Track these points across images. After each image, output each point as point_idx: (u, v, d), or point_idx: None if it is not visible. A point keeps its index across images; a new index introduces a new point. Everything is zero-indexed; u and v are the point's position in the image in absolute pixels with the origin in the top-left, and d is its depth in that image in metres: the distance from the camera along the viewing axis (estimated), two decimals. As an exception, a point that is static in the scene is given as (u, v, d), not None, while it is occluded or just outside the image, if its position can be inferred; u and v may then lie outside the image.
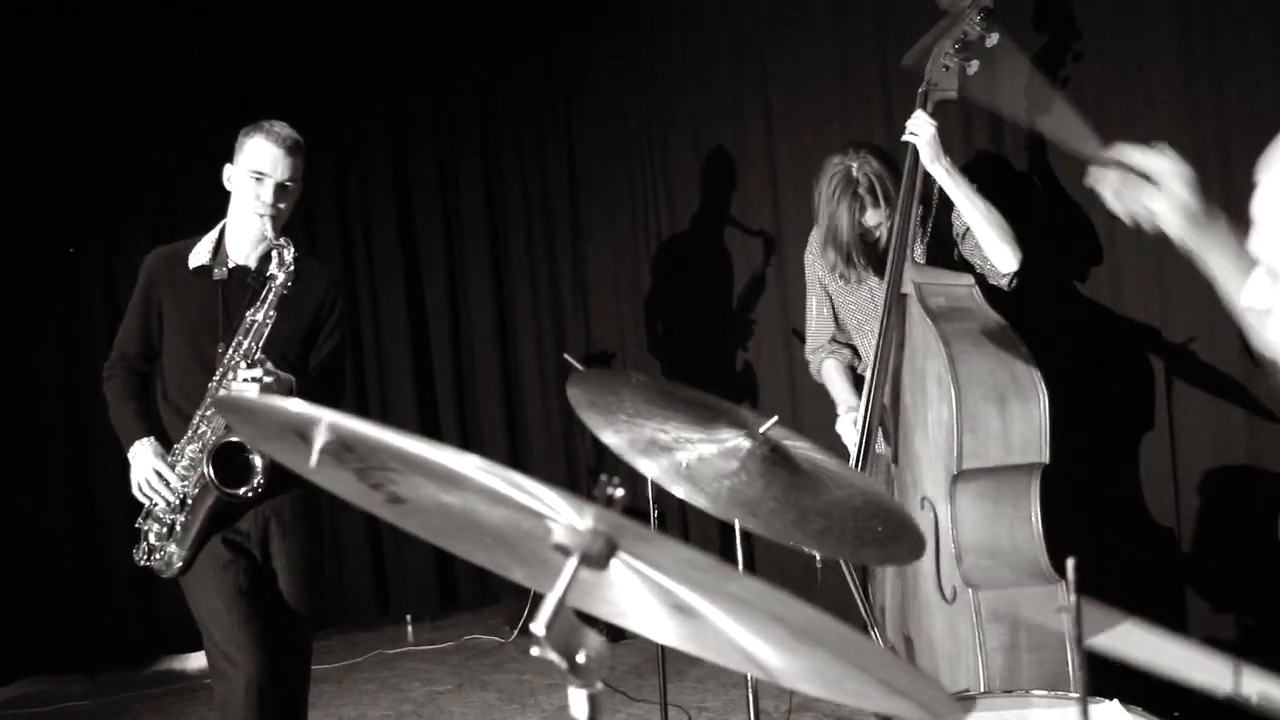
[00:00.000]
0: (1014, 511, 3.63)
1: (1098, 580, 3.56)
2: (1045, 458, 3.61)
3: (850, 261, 4.01)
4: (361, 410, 6.85)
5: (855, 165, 3.91)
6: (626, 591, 1.34)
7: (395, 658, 6.35)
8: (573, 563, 1.19)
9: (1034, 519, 3.62)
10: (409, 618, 7.01)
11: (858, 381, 4.18)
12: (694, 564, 1.20)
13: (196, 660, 6.23)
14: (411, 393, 7.08)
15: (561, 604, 1.18)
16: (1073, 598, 1.33)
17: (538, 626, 1.17)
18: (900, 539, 2.33)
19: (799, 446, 2.33)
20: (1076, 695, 2.56)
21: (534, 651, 1.19)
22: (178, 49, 6.41)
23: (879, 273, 3.98)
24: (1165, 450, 4.22)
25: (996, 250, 3.79)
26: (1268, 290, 1.58)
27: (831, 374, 4.24)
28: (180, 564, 3.57)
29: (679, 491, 2.07)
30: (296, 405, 1.21)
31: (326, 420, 1.19)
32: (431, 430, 7.07)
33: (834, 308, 4.22)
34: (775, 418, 2.28)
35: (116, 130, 6.31)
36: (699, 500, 2.06)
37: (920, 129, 3.80)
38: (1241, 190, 3.94)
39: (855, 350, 4.26)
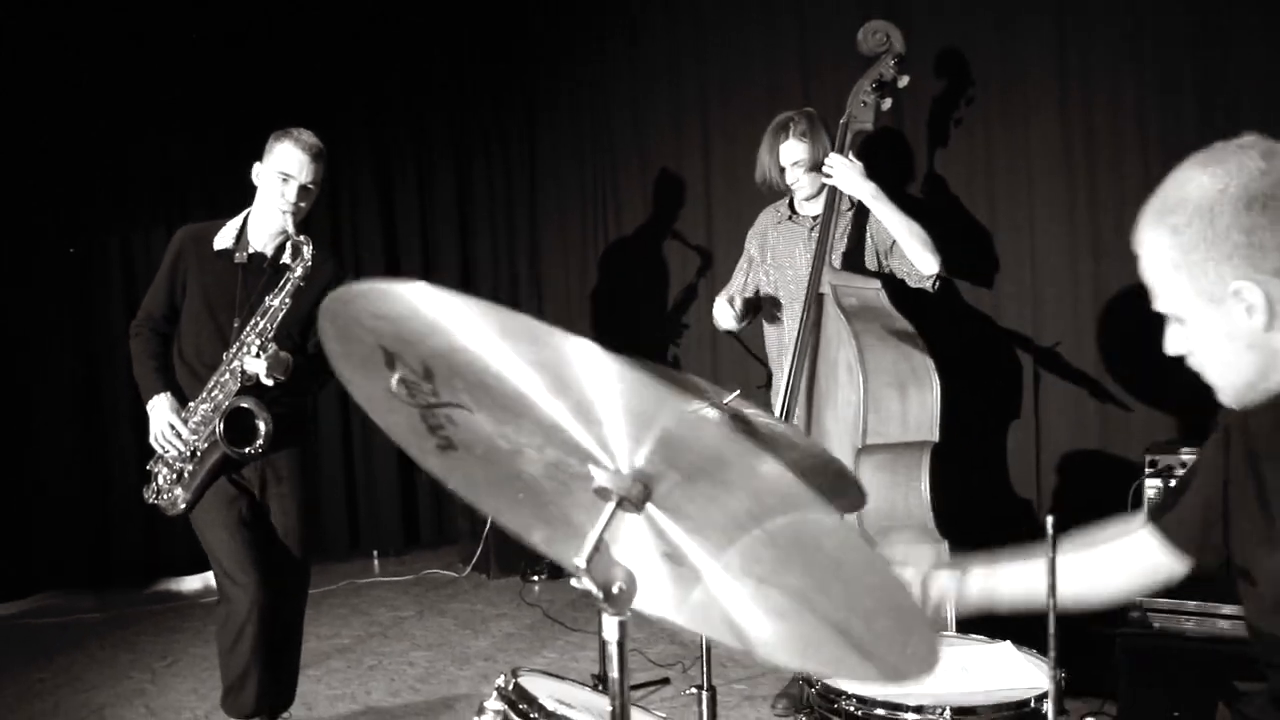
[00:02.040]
0: (908, 481, 3.63)
1: (971, 540, 3.59)
2: (935, 437, 3.62)
3: (773, 188, 4.03)
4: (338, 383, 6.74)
5: (788, 115, 3.98)
6: (632, 556, 1.25)
7: (364, 587, 6.23)
8: (611, 505, 1.13)
9: (924, 488, 3.63)
10: (376, 553, 6.87)
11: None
12: (723, 508, 1.12)
13: (193, 582, 6.08)
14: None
15: (601, 541, 1.12)
16: (1050, 553, 1.27)
17: (579, 560, 1.11)
18: (838, 495, 2.28)
19: (757, 415, 2.28)
20: (973, 636, 2.55)
21: (574, 583, 1.12)
22: (191, 52, 6.20)
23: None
24: (1030, 434, 4.26)
25: (920, 257, 3.77)
26: (1180, 337, 1.56)
27: (720, 307, 4.06)
28: (184, 505, 3.54)
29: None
30: (417, 289, 1.05)
31: (419, 287, 1.05)
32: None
33: (749, 280, 4.16)
34: (738, 390, 2.21)
35: (136, 124, 6.07)
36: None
37: (835, 169, 3.79)
38: (1105, 223, 3.98)
39: (749, 307, 4.11)
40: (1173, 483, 3.32)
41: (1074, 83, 4.17)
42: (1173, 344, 1.57)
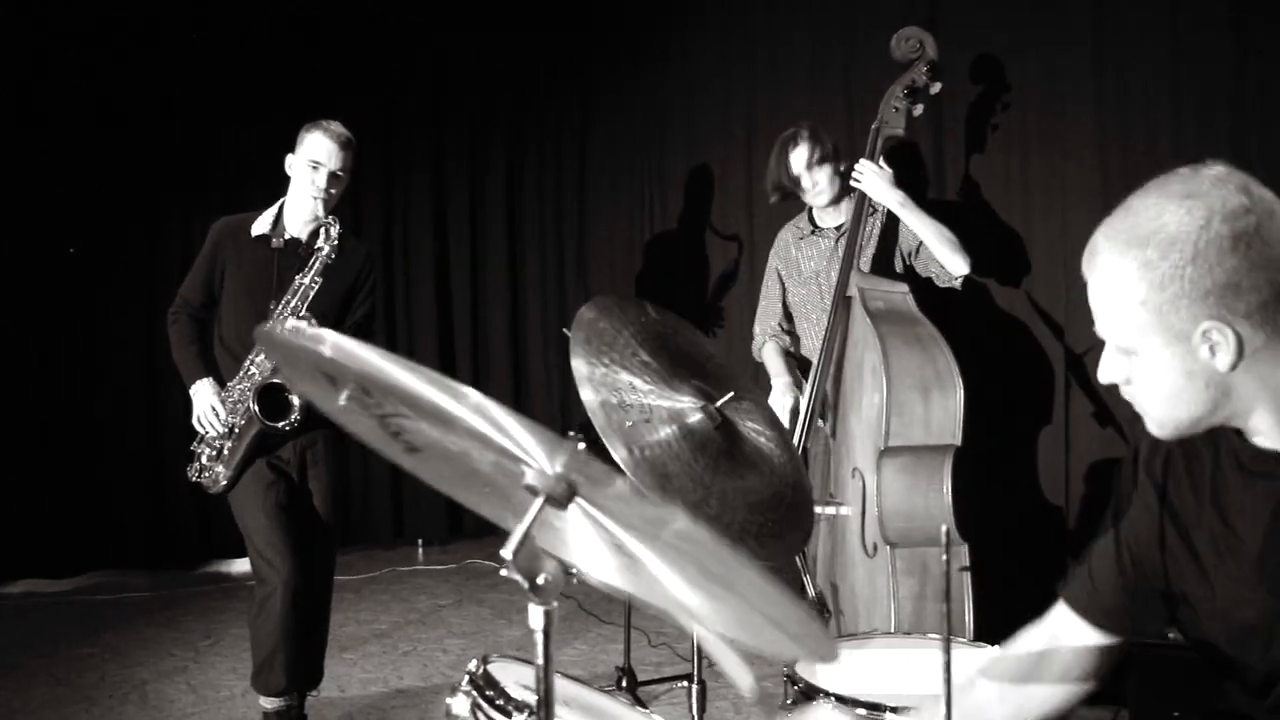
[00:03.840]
0: (929, 484, 3.65)
1: (999, 545, 3.62)
2: (958, 440, 3.64)
3: (783, 190, 4.08)
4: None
5: (795, 128, 4.04)
6: (580, 535, 1.35)
7: (406, 574, 6.38)
8: (539, 502, 1.20)
9: (945, 491, 3.65)
10: (420, 541, 7.03)
11: (802, 365, 4.20)
12: (640, 509, 1.20)
13: (241, 565, 6.25)
14: (435, 357, 7.06)
15: (527, 535, 1.19)
16: (945, 557, 1.33)
17: (505, 552, 1.18)
18: (777, 542, 2.24)
19: (750, 426, 2.31)
20: (967, 640, 2.59)
21: (502, 572, 1.20)
22: (248, 55, 6.40)
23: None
24: (1060, 442, 4.26)
25: (950, 260, 3.82)
26: (1119, 366, 1.51)
27: (771, 354, 4.24)
28: (224, 483, 3.67)
29: (609, 442, 2.05)
30: (325, 337, 1.17)
31: (331, 340, 1.16)
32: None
33: (784, 299, 4.22)
34: (731, 394, 2.27)
35: (197, 124, 6.29)
36: (619, 454, 2.05)
37: (865, 176, 3.83)
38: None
39: (794, 336, 4.27)
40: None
41: (1110, 88, 4.16)
42: (1109, 372, 1.52)
